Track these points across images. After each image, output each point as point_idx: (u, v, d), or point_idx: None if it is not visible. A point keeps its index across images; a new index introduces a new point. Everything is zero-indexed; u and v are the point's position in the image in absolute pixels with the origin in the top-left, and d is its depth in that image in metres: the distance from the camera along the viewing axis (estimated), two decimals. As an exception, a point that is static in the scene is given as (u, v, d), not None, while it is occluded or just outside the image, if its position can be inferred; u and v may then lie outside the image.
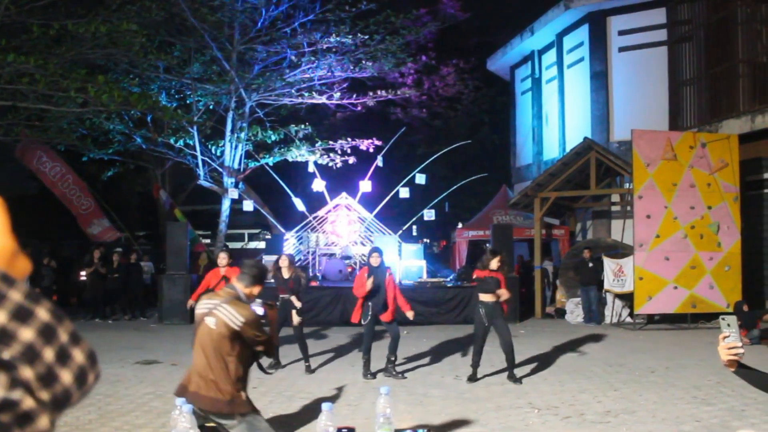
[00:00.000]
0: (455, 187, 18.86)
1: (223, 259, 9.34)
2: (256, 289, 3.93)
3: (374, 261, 8.43)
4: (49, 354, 0.86)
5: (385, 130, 21.05)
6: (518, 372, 8.40)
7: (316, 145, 18.29)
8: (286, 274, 8.96)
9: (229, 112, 16.89)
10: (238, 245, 31.11)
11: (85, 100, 13.14)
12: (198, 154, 16.92)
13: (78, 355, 0.90)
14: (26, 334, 0.84)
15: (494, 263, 8.23)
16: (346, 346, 11.12)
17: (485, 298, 8.26)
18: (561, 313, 15.09)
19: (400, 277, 14.93)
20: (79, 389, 0.90)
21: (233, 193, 17.20)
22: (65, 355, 0.88)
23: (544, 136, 20.28)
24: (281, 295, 8.93)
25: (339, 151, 18.39)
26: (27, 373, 0.84)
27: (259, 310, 3.97)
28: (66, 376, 0.88)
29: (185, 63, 16.77)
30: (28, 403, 0.83)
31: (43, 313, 0.87)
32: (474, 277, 8.61)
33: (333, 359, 9.88)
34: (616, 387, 7.90)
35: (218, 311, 3.74)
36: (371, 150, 18.33)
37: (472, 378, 8.28)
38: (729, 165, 13.10)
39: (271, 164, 18.01)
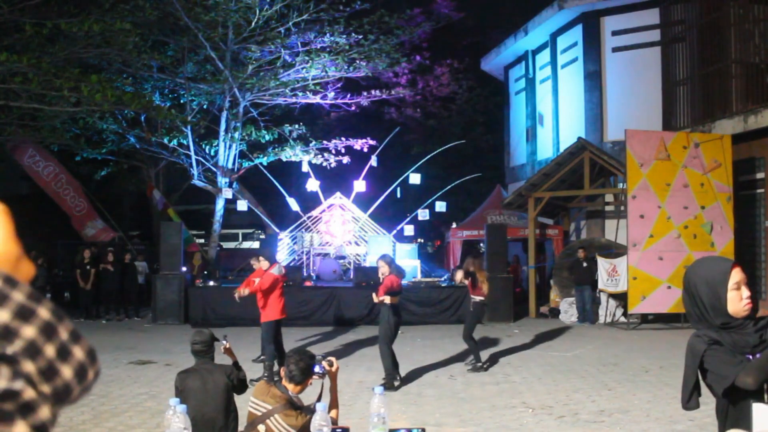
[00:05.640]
0: (449, 186, 18.87)
1: (264, 262, 9.14)
2: (308, 382, 3.91)
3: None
4: (50, 350, 0.91)
5: (380, 130, 21.05)
6: (512, 371, 8.42)
7: (310, 144, 18.26)
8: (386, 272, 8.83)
9: (222, 112, 16.86)
10: (232, 245, 31.08)
11: (78, 100, 13.08)
12: (192, 153, 16.88)
13: (78, 352, 0.94)
14: (28, 331, 0.89)
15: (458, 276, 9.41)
16: (339, 346, 11.12)
17: None
18: (555, 312, 15.12)
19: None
20: (79, 384, 0.94)
21: (227, 193, 17.17)
22: (66, 352, 0.92)
23: (538, 136, 20.31)
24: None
25: (333, 151, 18.37)
26: (29, 367, 0.89)
27: (318, 369, 3.93)
28: (66, 371, 0.92)
29: (179, 62, 16.72)
30: (30, 393, 0.88)
31: (44, 312, 0.91)
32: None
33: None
34: (610, 386, 7.92)
35: (271, 423, 3.73)
36: (365, 150, 18.32)
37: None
38: (722, 165, 13.13)
39: (265, 164, 17.97)
